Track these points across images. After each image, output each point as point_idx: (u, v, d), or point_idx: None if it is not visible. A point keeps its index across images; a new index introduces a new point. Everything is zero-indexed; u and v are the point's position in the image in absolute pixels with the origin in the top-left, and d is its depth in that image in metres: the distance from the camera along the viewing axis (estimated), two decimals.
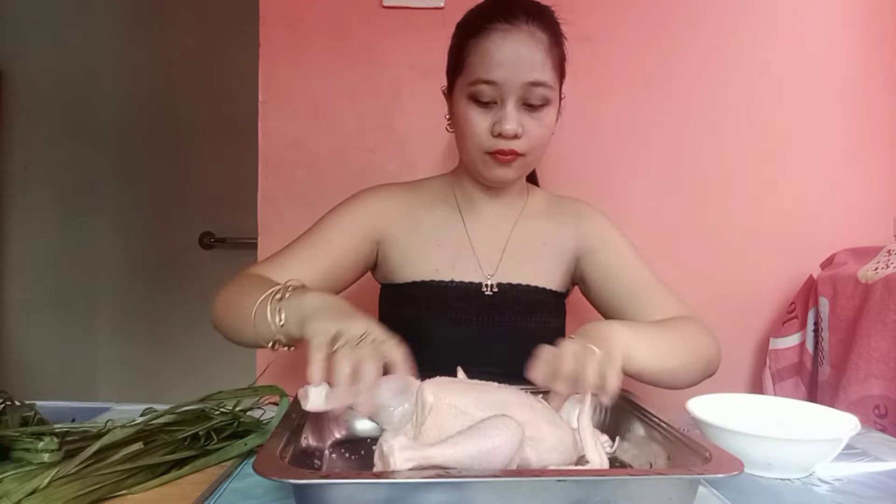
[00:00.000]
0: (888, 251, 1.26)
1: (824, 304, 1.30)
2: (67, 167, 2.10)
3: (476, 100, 0.89)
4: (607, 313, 1.01)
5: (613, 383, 0.67)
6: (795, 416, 0.78)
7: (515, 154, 0.90)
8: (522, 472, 0.56)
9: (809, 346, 1.35)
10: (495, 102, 0.89)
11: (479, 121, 0.90)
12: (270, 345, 0.74)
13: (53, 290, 2.12)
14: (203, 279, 2.08)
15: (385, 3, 1.37)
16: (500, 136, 0.89)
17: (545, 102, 0.89)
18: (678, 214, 1.44)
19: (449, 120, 0.99)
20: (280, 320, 0.72)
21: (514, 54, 0.86)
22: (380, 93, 1.39)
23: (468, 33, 0.91)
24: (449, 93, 0.98)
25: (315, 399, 0.60)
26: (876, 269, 1.22)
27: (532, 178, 1.16)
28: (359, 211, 1.01)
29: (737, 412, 0.78)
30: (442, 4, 1.36)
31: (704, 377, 0.89)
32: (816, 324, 1.33)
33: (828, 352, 1.28)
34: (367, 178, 1.37)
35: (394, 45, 1.38)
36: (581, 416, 0.65)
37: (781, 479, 0.69)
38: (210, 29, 2.04)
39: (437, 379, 0.65)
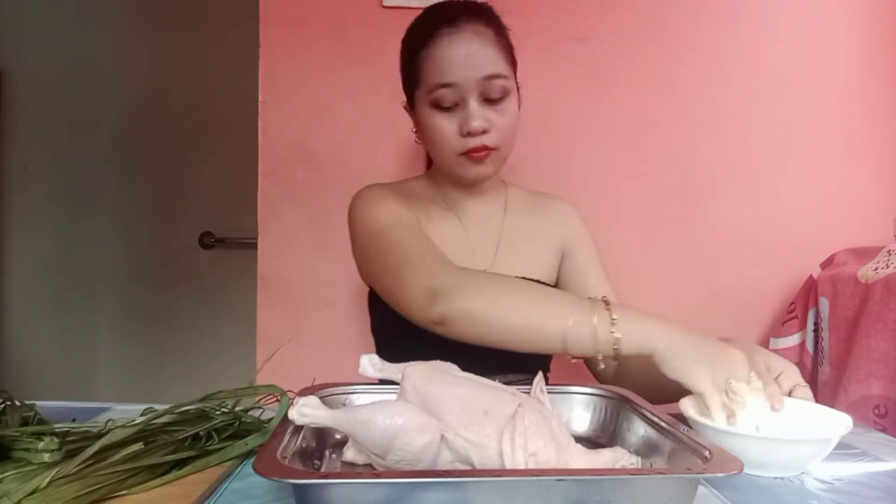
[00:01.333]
0: (888, 251, 1.26)
1: (824, 304, 1.30)
2: (67, 167, 2.10)
3: (438, 106, 0.92)
4: None
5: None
6: (791, 416, 0.78)
7: (487, 149, 0.93)
8: (522, 472, 0.56)
9: (809, 346, 1.35)
10: (457, 104, 0.91)
11: (446, 125, 0.92)
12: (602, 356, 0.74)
13: (53, 290, 2.12)
14: (203, 279, 2.08)
15: (385, 3, 1.37)
16: (468, 134, 0.91)
17: (505, 94, 0.92)
18: (678, 214, 1.44)
19: (416, 132, 1.02)
20: (616, 345, 0.72)
21: (465, 53, 0.89)
22: (380, 93, 1.39)
23: (416, 45, 0.94)
24: (410, 107, 1.00)
25: (307, 410, 0.60)
26: (876, 269, 1.22)
27: None
28: (390, 199, 0.98)
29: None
30: None
31: None
32: (816, 324, 1.33)
33: (828, 352, 1.28)
34: (367, 178, 1.37)
35: (394, 45, 1.37)
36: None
37: (781, 479, 0.69)
38: (210, 29, 2.04)
39: (431, 365, 0.68)
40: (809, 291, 1.36)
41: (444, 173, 1.02)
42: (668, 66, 1.43)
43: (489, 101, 0.91)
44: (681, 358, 0.70)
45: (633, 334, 0.72)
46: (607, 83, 1.42)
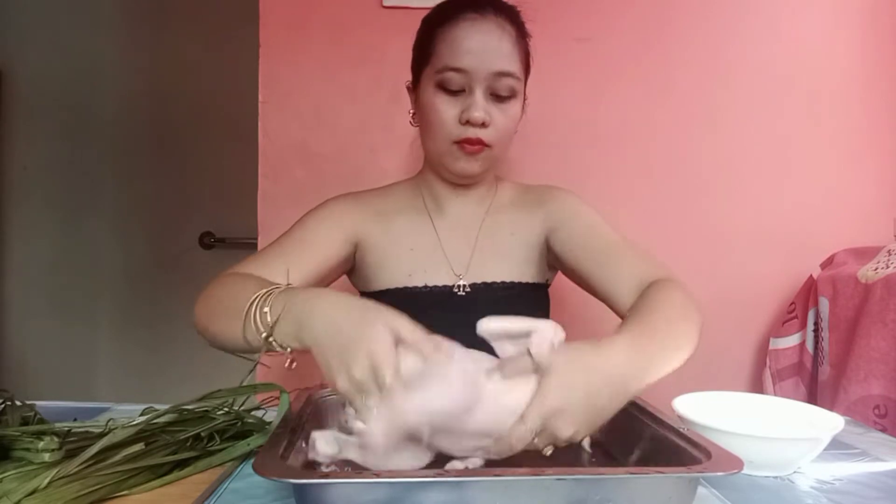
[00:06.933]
0: (888, 251, 1.26)
1: (824, 304, 1.30)
2: (67, 167, 2.10)
3: (444, 88, 0.89)
4: (583, 285, 0.98)
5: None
6: (782, 415, 0.78)
7: (482, 144, 0.90)
8: (522, 471, 0.56)
9: (809, 346, 1.35)
10: (463, 90, 0.89)
11: (447, 109, 0.90)
12: (262, 350, 0.67)
13: (53, 291, 2.12)
14: (203, 279, 2.05)
15: (385, 3, 1.37)
16: (468, 123, 0.88)
17: (512, 94, 0.90)
18: (678, 214, 1.44)
19: (413, 114, 0.99)
20: (269, 319, 0.65)
21: (482, 43, 0.87)
22: (380, 93, 1.39)
23: (436, 24, 0.92)
24: (414, 86, 0.98)
25: (323, 447, 0.57)
26: (876, 269, 1.22)
27: None
28: (337, 212, 1.00)
29: (725, 411, 0.78)
30: None
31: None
32: (816, 324, 1.33)
33: (828, 352, 1.28)
34: (367, 178, 1.37)
35: (394, 45, 1.38)
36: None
37: (781, 479, 0.69)
38: (210, 29, 2.04)
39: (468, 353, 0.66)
40: (809, 291, 1.36)
41: (433, 164, 1.00)
42: (668, 66, 1.43)
43: (496, 97, 0.89)
44: (321, 354, 0.60)
45: (290, 315, 0.64)
46: (607, 83, 1.42)
